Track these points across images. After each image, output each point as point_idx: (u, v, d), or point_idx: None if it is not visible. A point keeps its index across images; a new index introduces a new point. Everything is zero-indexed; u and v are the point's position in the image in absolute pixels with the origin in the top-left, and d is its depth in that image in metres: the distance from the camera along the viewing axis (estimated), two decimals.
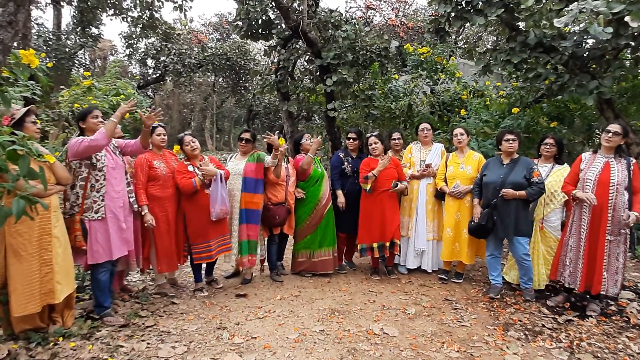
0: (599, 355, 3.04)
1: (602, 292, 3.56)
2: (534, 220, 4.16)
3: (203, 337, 3.23)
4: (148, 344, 3.06)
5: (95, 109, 3.43)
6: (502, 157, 4.14)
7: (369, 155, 4.67)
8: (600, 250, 3.54)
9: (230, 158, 4.65)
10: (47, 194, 2.78)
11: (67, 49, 12.82)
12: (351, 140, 4.86)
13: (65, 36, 13.32)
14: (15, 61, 2.78)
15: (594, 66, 4.60)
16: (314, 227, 4.64)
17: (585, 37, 4.37)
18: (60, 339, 2.96)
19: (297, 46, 8.40)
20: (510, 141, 4.03)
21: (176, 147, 4.22)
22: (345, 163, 4.78)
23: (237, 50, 16.58)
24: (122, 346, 2.98)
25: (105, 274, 3.35)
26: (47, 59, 11.43)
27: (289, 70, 8.39)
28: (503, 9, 4.51)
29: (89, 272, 4.07)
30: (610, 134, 3.56)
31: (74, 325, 3.14)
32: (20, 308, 2.78)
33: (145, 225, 3.75)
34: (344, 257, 5.15)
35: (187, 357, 2.91)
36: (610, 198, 3.51)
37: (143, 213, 3.73)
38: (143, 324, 3.40)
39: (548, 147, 4.17)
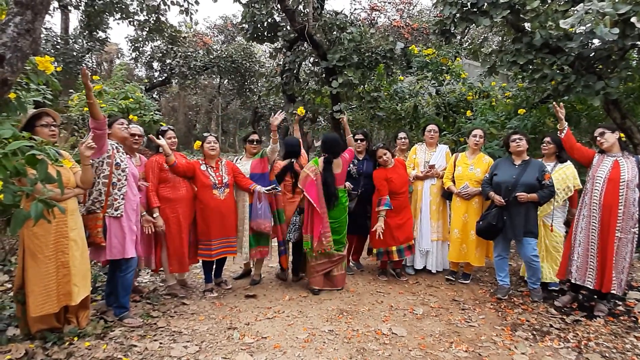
0: (607, 355, 3.05)
1: (612, 291, 3.56)
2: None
3: (214, 337, 3.28)
4: (160, 343, 3.12)
5: (120, 118, 3.63)
6: (513, 157, 4.16)
7: (379, 166, 4.61)
8: (610, 248, 3.55)
9: (236, 161, 4.70)
10: (64, 197, 2.83)
11: (74, 53, 12.96)
12: (358, 141, 4.88)
13: (73, 40, 13.46)
14: (32, 67, 2.84)
15: (600, 67, 4.61)
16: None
17: (591, 37, 4.38)
18: (75, 338, 3.02)
19: (303, 48, 8.46)
20: (517, 140, 4.07)
21: (197, 143, 4.33)
22: (351, 165, 4.80)
23: (242, 53, 16.68)
24: (135, 346, 3.04)
25: (132, 273, 3.45)
26: (56, 63, 11.56)
27: (295, 72, 8.44)
28: (508, 10, 4.53)
29: (103, 272, 4.17)
30: (597, 138, 3.68)
31: (89, 325, 3.20)
32: (37, 309, 2.84)
33: (157, 230, 3.83)
34: (351, 258, 5.18)
35: (199, 356, 2.96)
36: (620, 195, 3.53)
37: (155, 216, 3.81)
38: (155, 324, 3.46)
39: (545, 144, 4.26)
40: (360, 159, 4.88)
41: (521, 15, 4.68)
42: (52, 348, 2.89)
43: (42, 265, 2.85)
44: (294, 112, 8.47)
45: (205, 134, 4.37)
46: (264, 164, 4.42)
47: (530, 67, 4.83)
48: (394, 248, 4.53)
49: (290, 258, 4.76)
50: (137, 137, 3.90)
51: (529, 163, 4.04)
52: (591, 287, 3.70)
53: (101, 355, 2.87)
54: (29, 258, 2.84)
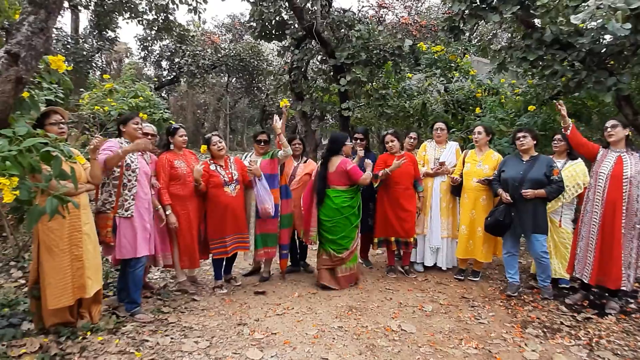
0: (618, 352, 3.03)
1: (623, 288, 3.54)
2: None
3: (224, 332, 3.31)
4: (172, 338, 3.15)
5: (136, 116, 3.60)
6: (521, 154, 4.14)
7: (385, 152, 4.70)
8: (617, 245, 3.54)
9: (245, 157, 4.72)
10: (77, 192, 2.87)
11: (84, 53, 13.08)
12: (358, 141, 4.87)
13: (83, 40, 13.59)
14: (44, 66, 2.88)
15: (612, 62, 4.55)
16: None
17: (602, 33, 4.32)
18: (89, 333, 3.07)
19: (311, 46, 8.47)
20: (521, 138, 4.06)
21: (203, 147, 4.35)
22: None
23: (250, 51, 16.73)
24: (147, 340, 3.08)
25: (141, 269, 3.49)
26: (66, 62, 11.68)
27: (303, 70, 8.46)
28: (518, 6, 4.49)
29: (114, 269, 4.22)
30: (608, 129, 3.64)
31: (101, 320, 3.25)
32: (54, 301, 2.90)
33: (170, 226, 3.87)
34: (359, 255, 5.18)
35: (210, 351, 2.99)
36: (624, 191, 3.52)
37: (167, 213, 3.84)
38: (166, 319, 3.50)
39: (556, 142, 4.29)
40: (362, 156, 4.86)
41: (531, 11, 4.64)
42: (66, 342, 2.94)
43: (57, 259, 2.91)
44: (303, 110, 8.52)
45: (207, 135, 4.36)
46: (273, 165, 4.41)
47: (541, 63, 4.78)
48: (392, 239, 4.59)
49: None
50: (149, 136, 3.95)
51: (537, 159, 4.02)
52: (586, 282, 3.72)
53: (114, 349, 2.91)
54: (45, 252, 2.89)
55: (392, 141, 4.59)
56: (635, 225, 3.51)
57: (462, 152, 4.87)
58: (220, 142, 4.24)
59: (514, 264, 4.19)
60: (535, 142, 4.09)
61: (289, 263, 4.84)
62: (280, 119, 4.32)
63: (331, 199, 4.26)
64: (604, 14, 3.63)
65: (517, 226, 3.98)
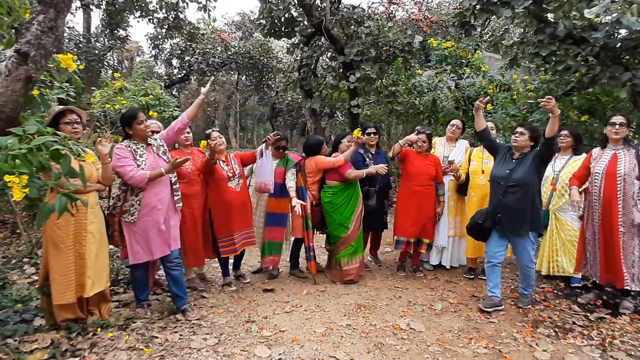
0: (632, 353, 2.97)
1: (626, 287, 3.50)
2: (549, 211, 4.20)
3: (233, 329, 3.32)
4: (181, 335, 3.17)
5: (139, 113, 3.37)
6: (513, 150, 3.72)
7: (411, 147, 4.57)
8: (617, 244, 3.50)
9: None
10: (85, 190, 2.90)
11: (96, 51, 13.22)
12: (372, 135, 4.79)
13: (95, 39, 13.74)
14: (54, 65, 2.91)
15: (627, 57, 4.46)
16: (358, 230, 4.48)
17: (617, 27, 4.24)
18: (99, 329, 3.10)
19: (320, 43, 8.46)
20: (517, 134, 3.63)
21: (203, 143, 4.33)
22: (367, 159, 4.74)
23: (260, 49, 16.79)
24: (156, 337, 3.10)
25: (140, 271, 3.45)
26: (78, 61, 11.84)
27: (312, 67, 8.45)
28: (530, 0, 4.41)
29: (125, 265, 4.25)
30: (617, 126, 3.55)
31: (111, 316, 3.28)
32: (58, 297, 2.94)
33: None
34: (369, 253, 5.15)
35: (218, 348, 3.00)
36: (618, 189, 3.48)
37: None
38: (175, 316, 3.51)
39: (562, 137, 4.20)
40: (373, 153, 4.81)
41: (544, 5, 4.56)
42: (77, 338, 2.97)
43: (62, 255, 2.95)
44: (312, 107, 8.52)
45: (207, 131, 4.33)
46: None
47: (554, 58, 4.71)
48: (405, 239, 4.54)
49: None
50: (154, 133, 3.93)
51: (526, 156, 3.62)
52: (597, 282, 3.71)
53: (123, 346, 2.94)
54: (52, 248, 2.94)
55: (424, 142, 4.46)
56: (633, 223, 3.44)
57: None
58: (220, 138, 4.16)
59: (495, 275, 3.72)
60: (532, 143, 3.65)
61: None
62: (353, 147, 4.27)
63: (320, 194, 4.48)
64: (619, 7, 3.56)
65: (506, 230, 3.60)
